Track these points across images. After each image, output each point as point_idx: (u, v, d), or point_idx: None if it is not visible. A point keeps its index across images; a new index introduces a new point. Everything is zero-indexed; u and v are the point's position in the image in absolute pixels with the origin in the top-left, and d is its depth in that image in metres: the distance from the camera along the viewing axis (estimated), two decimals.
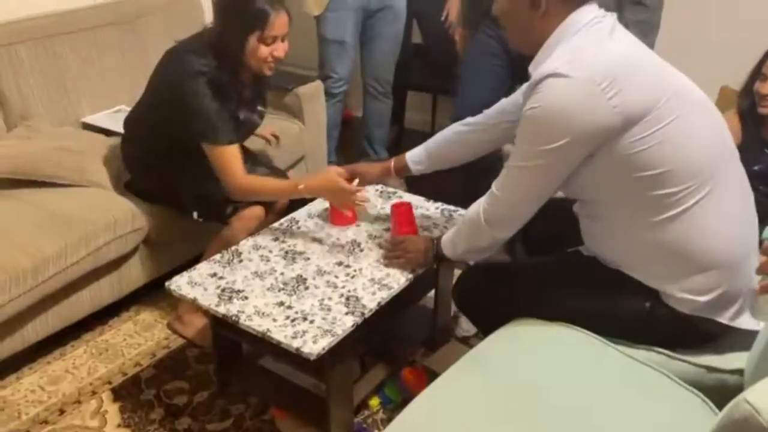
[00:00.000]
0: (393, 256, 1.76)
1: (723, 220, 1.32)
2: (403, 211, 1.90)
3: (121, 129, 2.26)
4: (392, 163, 1.94)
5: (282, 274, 1.73)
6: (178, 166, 2.01)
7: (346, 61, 2.89)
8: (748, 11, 2.71)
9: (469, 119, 1.84)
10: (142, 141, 2.07)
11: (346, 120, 3.32)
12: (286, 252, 1.83)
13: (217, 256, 1.82)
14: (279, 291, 1.66)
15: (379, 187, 2.22)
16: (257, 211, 2.02)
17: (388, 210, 2.05)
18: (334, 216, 1.95)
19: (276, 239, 1.90)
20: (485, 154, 1.87)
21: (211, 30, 1.90)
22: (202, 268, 1.77)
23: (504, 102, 1.77)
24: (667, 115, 1.28)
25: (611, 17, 1.37)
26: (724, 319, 1.36)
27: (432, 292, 2.04)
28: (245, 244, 1.87)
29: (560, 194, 1.79)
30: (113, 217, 2.00)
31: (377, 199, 2.13)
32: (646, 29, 2.09)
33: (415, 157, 1.92)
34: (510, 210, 1.45)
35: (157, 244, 2.20)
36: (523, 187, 1.41)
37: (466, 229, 1.56)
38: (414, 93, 3.59)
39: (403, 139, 3.51)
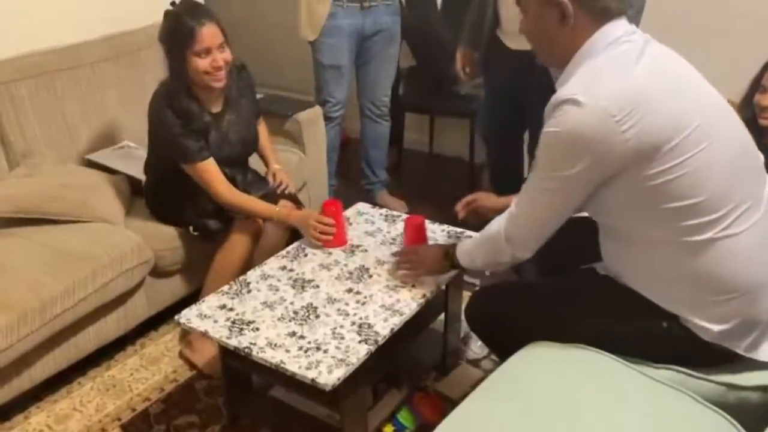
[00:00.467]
0: (405, 263, 1.76)
1: (752, 244, 1.30)
2: (416, 224, 1.89)
3: (125, 167, 2.28)
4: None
5: (292, 303, 1.72)
6: (179, 187, 2.13)
7: (343, 85, 2.91)
8: (747, 23, 2.73)
9: None
10: (153, 169, 2.24)
11: (344, 142, 3.33)
12: (295, 281, 1.82)
13: (225, 287, 1.81)
14: (290, 321, 1.65)
15: (383, 211, 2.22)
16: (255, 224, 2.10)
17: (393, 234, 2.05)
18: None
19: (283, 268, 1.89)
20: None
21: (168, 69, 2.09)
22: (211, 300, 1.75)
23: None
24: (696, 144, 1.25)
25: (641, 36, 1.34)
26: (740, 349, 1.35)
27: (441, 316, 2.03)
28: (253, 274, 1.86)
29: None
30: (119, 251, 1.99)
31: (382, 223, 2.13)
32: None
33: None
34: (530, 230, 1.44)
35: (162, 274, 2.19)
36: (542, 208, 1.40)
37: (486, 245, 1.56)
38: (412, 114, 3.60)
39: (402, 160, 3.52)
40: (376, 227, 2.09)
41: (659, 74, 1.31)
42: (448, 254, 1.69)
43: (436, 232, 2.06)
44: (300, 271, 1.86)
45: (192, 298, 2.35)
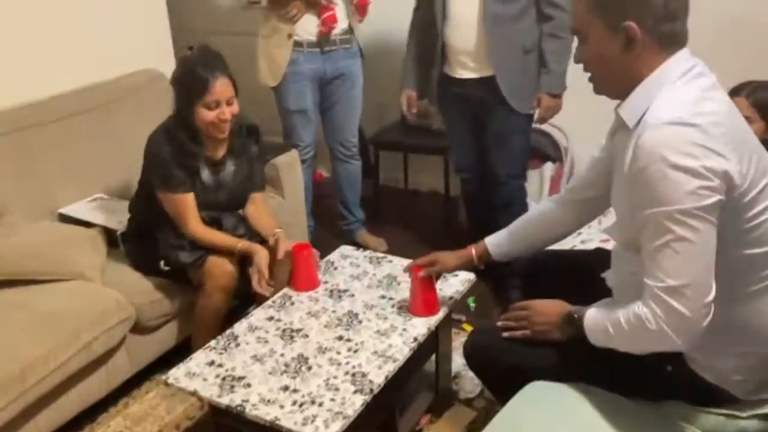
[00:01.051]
0: (515, 320, 1.54)
1: None
2: (423, 278, 1.78)
3: (100, 219, 2.24)
4: (473, 251, 1.75)
5: (282, 355, 1.69)
6: (159, 224, 2.13)
7: (311, 128, 2.92)
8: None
9: (555, 197, 1.74)
10: (139, 207, 2.24)
11: (316, 181, 3.33)
12: (284, 331, 1.79)
13: (213, 342, 1.76)
14: (282, 374, 1.62)
15: (367, 253, 2.21)
16: (227, 266, 2.07)
17: (380, 276, 2.04)
18: (297, 282, 1.97)
19: (270, 318, 1.85)
20: (570, 233, 1.74)
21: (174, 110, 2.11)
22: (199, 357, 1.71)
23: (586, 174, 1.62)
24: None
25: (710, 72, 1.30)
26: (741, 395, 1.35)
27: (432, 356, 2.01)
28: (240, 327, 1.82)
29: (556, 246, 1.80)
30: (99, 310, 1.94)
31: (368, 265, 2.11)
32: (560, 57, 2.35)
33: (496, 240, 1.74)
34: (698, 295, 1.20)
35: (144, 330, 2.14)
36: (699, 257, 1.20)
37: (634, 333, 1.28)
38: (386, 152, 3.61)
39: (379, 197, 3.52)
40: (361, 270, 2.08)
41: (736, 111, 1.30)
42: (572, 319, 1.43)
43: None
44: (288, 321, 1.83)
45: (175, 352, 2.31)
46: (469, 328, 2.49)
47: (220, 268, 2.06)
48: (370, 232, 3.26)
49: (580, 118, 2.58)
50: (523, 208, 2.68)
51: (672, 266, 1.20)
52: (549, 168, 3.01)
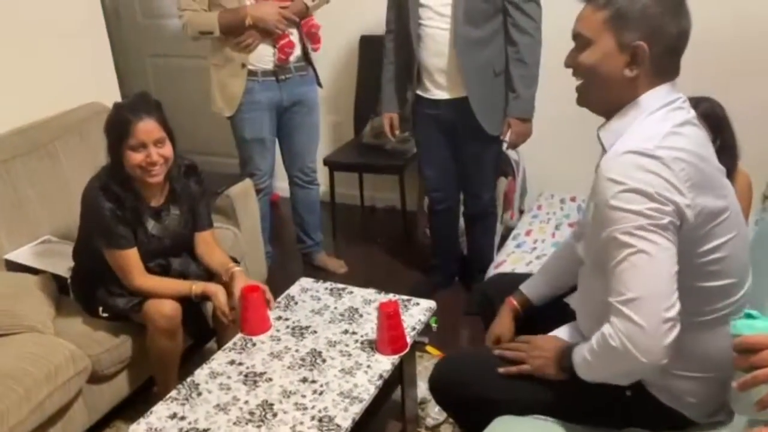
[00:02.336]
0: (514, 355, 1.51)
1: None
2: (390, 312, 1.76)
3: (48, 265, 2.18)
4: (515, 305, 1.71)
5: (246, 402, 1.66)
6: (103, 272, 2.08)
7: (268, 156, 2.89)
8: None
9: (572, 232, 1.74)
10: (81, 254, 2.19)
11: (272, 203, 3.31)
12: (246, 375, 1.76)
13: (174, 393, 1.72)
14: (247, 423, 1.59)
15: (328, 284, 2.19)
16: (165, 309, 2.02)
17: (341, 310, 2.03)
18: (246, 326, 1.93)
19: (232, 362, 1.82)
20: None
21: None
22: (160, 410, 1.67)
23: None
24: (734, 227, 1.30)
25: (689, 107, 1.34)
26: (697, 418, 1.40)
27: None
28: (201, 373, 1.79)
29: (509, 268, 1.82)
30: (53, 363, 1.88)
31: (329, 298, 2.10)
32: (527, 82, 2.42)
33: (533, 287, 1.72)
34: (656, 306, 1.21)
35: (101, 379, 2.08)
36: (658, 272, 1.22)
37: (606, 356, 1.29)
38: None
39: (335, 217, 3.50)
40: (322, 304, 2.06)
41: (707, 148, 1.33)
42: (566, 355, 1.42)
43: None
44: (250, 364, 1.81)
45: (134, 396, 2.26)
46: (432, 350, 2.50)
47: (158, 313, 2.01)
48: (328, 253, 3.25)
49: (533, 136, 2.62)
50: (495, 218, 2.84)
51: (629, 278, 1.22)
52: (503, 182, 3.05)
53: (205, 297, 2.06)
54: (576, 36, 1.36)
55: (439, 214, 2.82)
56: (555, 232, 2.87)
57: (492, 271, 2.63)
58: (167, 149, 2.00)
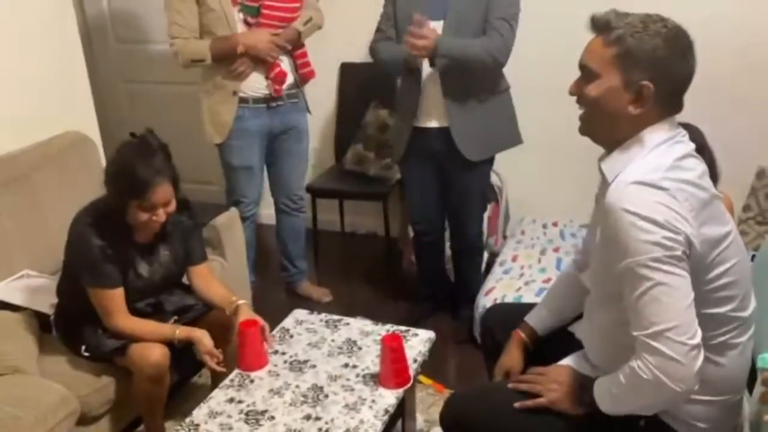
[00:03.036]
0: (530, 388, 1.49)
1: (745, 355, 1.38)
2: (395, 347, 1.74)
3: (29, 302, 2.11)
4: (523, 337, 1.70)
5: None
6: (84, 305, 2.00)
7: (255, 185, 2.86)
8: None
9: (573, 262, 1.74)
10: (66, 291, 2.09)
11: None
12: (247, 414, 1.71)
13: None
14: None
15: (323, 316, 2.15)
16: (153, 357, 1.93)
17: (339, 342, 2.00)
18: (243, 361, 1.88)
19: (231, 400, 1.77)
20: None
21: (102, 196, 1.97)
22: None
23: (588, 237, 1.65)
24: (734, 254, 1.32)
25: (688, 140, 1.37)
26: None
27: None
28: (200, 413, 1.73)
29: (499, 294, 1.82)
30: (42, 407, 1.79)
31: (325, 330, 2.07)
32: (465, 48, 2.32)
33: (538, 319, 1.72)
34: (682, 336, 1.23)
35: (88, 421, 1.99)
36: (680, 300, 1.24)
37: (637, 391, 1.30)
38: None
39: (317, 244, 3.47)
40: (319, 336, 2.03)
41: (706, 178, 1.35)
42: (583, 391, 1.42)
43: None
44: (250, 402, 1.76)
45: None
46: (426, 380, 2.48)
47: (145, 360, 1.93)
48: (311, 281, 3.21)
49: (513, 159, 2.66)
50: (481, 251, 2.85)
51: (653, 312, 1.24)
52: (487, 208, 3.06)
53: (189, 342, 1.98)
54: (582, 67, 1.38)
55: (424, 245, 2.82)
56: (540, 257, 2.89)
57: (482, 299, 2.63)
58: (173, 205, 1.94)
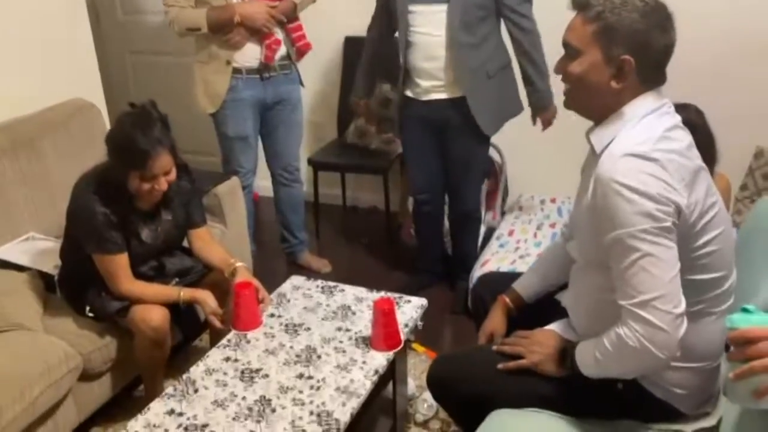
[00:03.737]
0: (512, 350, 1.54)
1: (721, 323, 1.41)
2: (386, 310, 1.79)
3: (34, 262, 2.16)
4: (507, 301, 1.76)
5: (244, 398, 1.67)
6: (87, 268, 2.05)
7: (251, 154, 2.90)
8: None
9: (562, 232, 1.78)
10: (68, 254, 2.14)
11: (254, 202, 3.31)
12: (242, 372, 1.77)
13: (170, 389, 1.72)
14: (246, 419, 1.60)
15: (319, 282, 2.21)
16: (153, 320, 2.00)
17: (334, 307, 2.05)
18: (238, 321, 1.93)
19: (227, 359, 1.83)
20: None
21: (104, 163, 2.01)
22: (157, 407, 1.67)
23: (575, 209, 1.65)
24: (721, 222, 1.36)
25: (674, 112, 1.39)
26: (687, 410, 1.46)
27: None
28: (197, 370, 1.79)
29: (495, 267, 1.86)
30: (46, 362, 1.86)
31: (321, 296, 2.12)
32: (540, 75, 2.50)
33: (526, 284, 1.77)
34: (668, 306, 1.27)
35: (90, 377, 2.06)
36: (667, 270, 1.27)
37: (621, 357, 1.34)
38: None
39: (319, 217, 3.52)
40: (315, 302, 2.08)
41: (693, 149, 1.38)
42: (566, 353, 1.48)
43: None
44: (245, 360, 1.82)
45: (122, 395, 2.25)
46: (419, 347, 2.54)
47: (145, 323, 1.99)
48: (312, 252, 3.27)
49: (514, 137, 2.69)
50: (479, 222, 2.89)
51: (640, 282, 1.28)
52: (485, 183, 3.10)
53: (193, 303, 2.06)
54: (565, 45, 1.41)
55: (424, 216, 2.86)
56: (537, 232, 2.93)
57: (477, 270, 2.68)
58: (173, 173, 1.98)
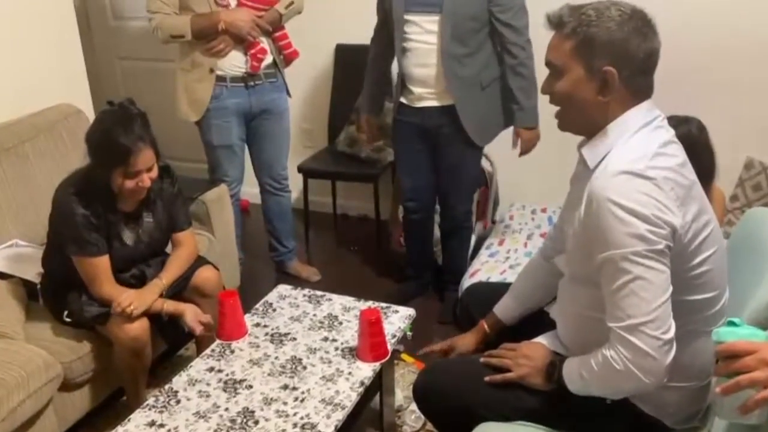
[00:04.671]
0: (499, 362, 1.52)
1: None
2: (373, 320, 1.77)
3: (18, 270, 2.14)
4: (485, 326, 1.74)
5: (227, 410, 1.64)
6: (69, 274, 2.03)
7: (237, 163, 2.87)
8: None
9: (540, 250, 1.76)
10: (51, 261, 2.12)
11: (242, 209, 3.28)
12: (225, 382, 1.75)
13: (151, 400, 1.70)
14: (228, 431, 1.57)
15: (306, 291, 2.18)
16: (132, 330, 1.98)
17: (320, 317, 2.02)
18: (223, 331, 1.91)
19: (211, 369, 1.80)
20: None
21: (86, 166, 2.00)
22: (137, 418, 1.64)
23: (560, 224, 1.64)
24: (714, 242, 1.34)
25: (668, 126, 1.37)
26: (674, 425, 1.44)
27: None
28: (179, 380, 1.76)
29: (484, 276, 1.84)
30: (25, 370, 1.82)
31: (307, 305, 2.09)
32: (527, 93, 2.47)
33: (505, 308, 1.74)
34: (656, 331, 1.25)
35: (71, 387, 2.03)
36: (658, 295, 1.25)
37: (605, 376, 1.32)
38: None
39: (308, 224, 3.50)
40: (301, 311, 2.06)
41: (688, 165, 1.36)
42: (554, 368, 1.45)
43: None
44: (229, 371, 1.79)
45: (105, 404, 2.21)
46: (407, 358, 2.51)
47: (125, 332, 1.97)
48: (301, 260, 3.24)
49: (505, 145, 2.67)
50: (470, 232, 2.87)
51: (630, 305, 1.25)
52: (476, 193, 3.08)
53: (176, 315, 2.04)
54: (548, 64, 1.39)
55: (414, 223, 2.84)
56: (527, 242, 2.91)
57: (467, 280, 2.66)
58: (155, 170, 1.98)
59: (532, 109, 2.50)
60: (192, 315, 2.03)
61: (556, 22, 1.35)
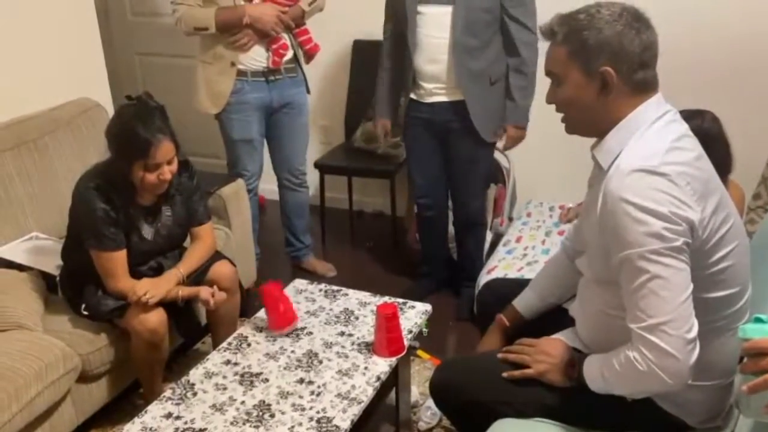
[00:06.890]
0: (517, 358, 1.51)
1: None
2: (390, 315, 1.76)
3: (37, 262, 2.15)
4: (505, 321, 1.74)
5: (243, 403, 1.64)
6: (88, 267, 2.04)
7: (256, 157, 2.88)
8: None
9: (562, 245, 1.74)
10: (71, 253, 2.13)
11: (259, 205, 3.28)
12: (242, 375, 1.74)
13: (168, 392, 1.70)
14: (244, 424, 1.57)
15: (322, 286, 2.18)
16: (150, 322, 1.99)
17: (336, 311, 2.02)
18: (272, 321, 1.91)
19: (227, 362, 1.80)
20: None
21: (106, 160, 2.02)
22: (155, 410, 1.64)
23: (580, 223, 1.63)
24: (735, 237, 1.31)
25: (681, 119, 1.36)
26: (695, 423, 1.42)
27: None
28: (196, 373, 1.76)
29: (502, 274, 1.83)
30: (43, 362, 1.84)
31: (324, 300, 2.09)
32: (525, 93, 2.49)
33: (526, 302, 1.73)
34: (678, 331, 1.23)
35: (89, 378, 2.04)
36: (679, 293, 1.23)
37: (628, 376, 1.30)
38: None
39: (324, 220, 3.49)
40: (317, 305, 2.05)
41: (705, 158, 1.34)
42: (573, 368, 1.44)
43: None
44: (246, 364, 1.79)
45: (122, 397, 2.23)
46: (424, 355, 2.50)
47: (142, 325, 1.98)
48: (317, 256, 3.24)
49: (522, 145, 2.65)
50: (484, 228, 2.85)
51: (649, 305, 1.23)
52: (492, 189, 3.07)
53: (193, 297, 2.06)
54: (548, 74, 1.40)
55: (427, 220, 2.83)
56: (545, 239, 2.89)
57: (484, 276, 2.64)
58: (176, 163, 1.99)
59: (525, 108, 2.50)
60: (206, 292, 2.04)
61: (548, 32, 1.36)
